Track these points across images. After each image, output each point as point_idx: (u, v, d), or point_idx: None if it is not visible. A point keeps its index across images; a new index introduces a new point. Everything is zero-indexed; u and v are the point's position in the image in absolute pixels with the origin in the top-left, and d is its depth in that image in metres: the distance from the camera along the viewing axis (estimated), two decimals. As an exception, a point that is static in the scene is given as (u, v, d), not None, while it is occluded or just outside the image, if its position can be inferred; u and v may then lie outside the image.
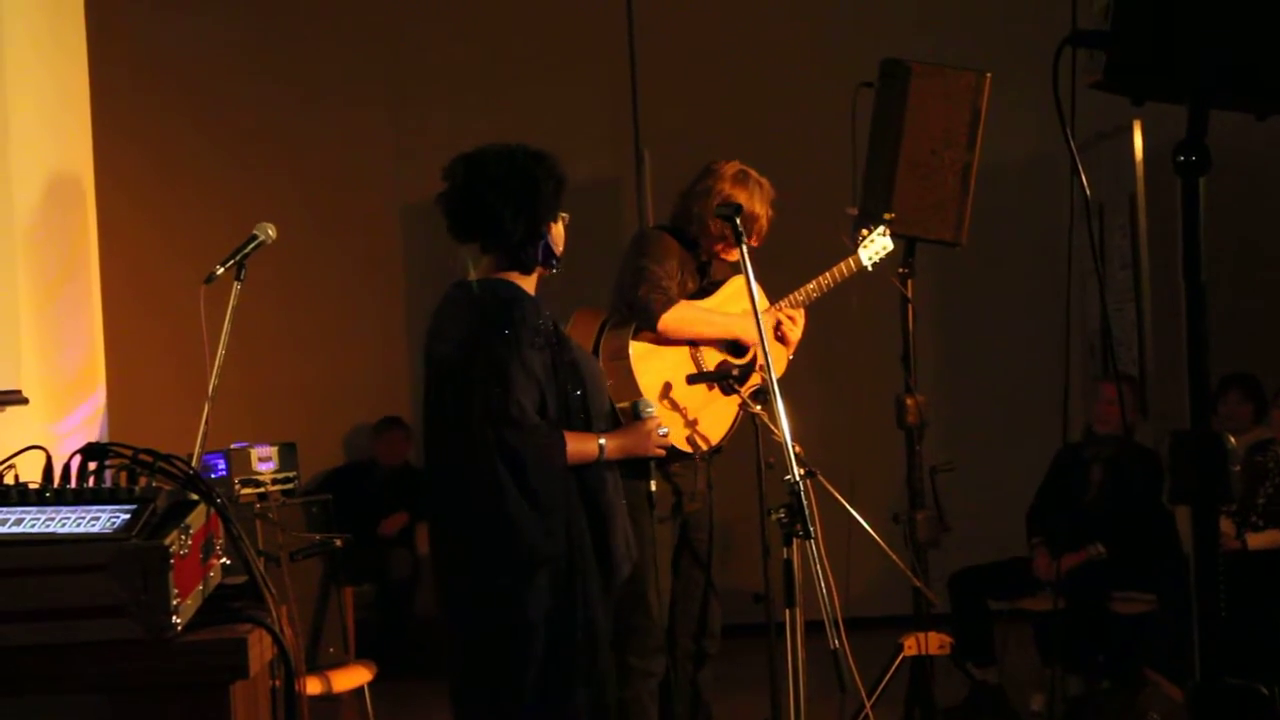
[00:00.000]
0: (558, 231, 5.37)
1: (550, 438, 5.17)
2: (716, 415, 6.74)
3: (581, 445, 5.24)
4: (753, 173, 6.94)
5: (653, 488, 5.84)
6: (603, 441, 5.30)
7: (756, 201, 6.85)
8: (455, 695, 5.38)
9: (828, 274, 7.04)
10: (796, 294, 7.00)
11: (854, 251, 7.14)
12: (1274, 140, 6.78)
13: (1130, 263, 9.94)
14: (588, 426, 5.32)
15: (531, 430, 5.12)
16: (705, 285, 6.97)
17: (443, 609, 5.38)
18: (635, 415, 5.58)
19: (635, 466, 5.80)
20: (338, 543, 7.65)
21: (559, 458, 5.17)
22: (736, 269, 6.57)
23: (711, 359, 6.77)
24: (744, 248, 5.77)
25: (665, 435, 5.64)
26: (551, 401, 5.21)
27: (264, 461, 7.71)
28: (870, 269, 7.18)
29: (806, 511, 5.45)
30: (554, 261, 5.38)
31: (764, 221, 6.89)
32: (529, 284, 5.35)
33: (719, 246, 6.88)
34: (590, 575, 5.23)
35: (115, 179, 9.56)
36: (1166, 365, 9.56)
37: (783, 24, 10.87)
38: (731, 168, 6.93)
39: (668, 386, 6.54)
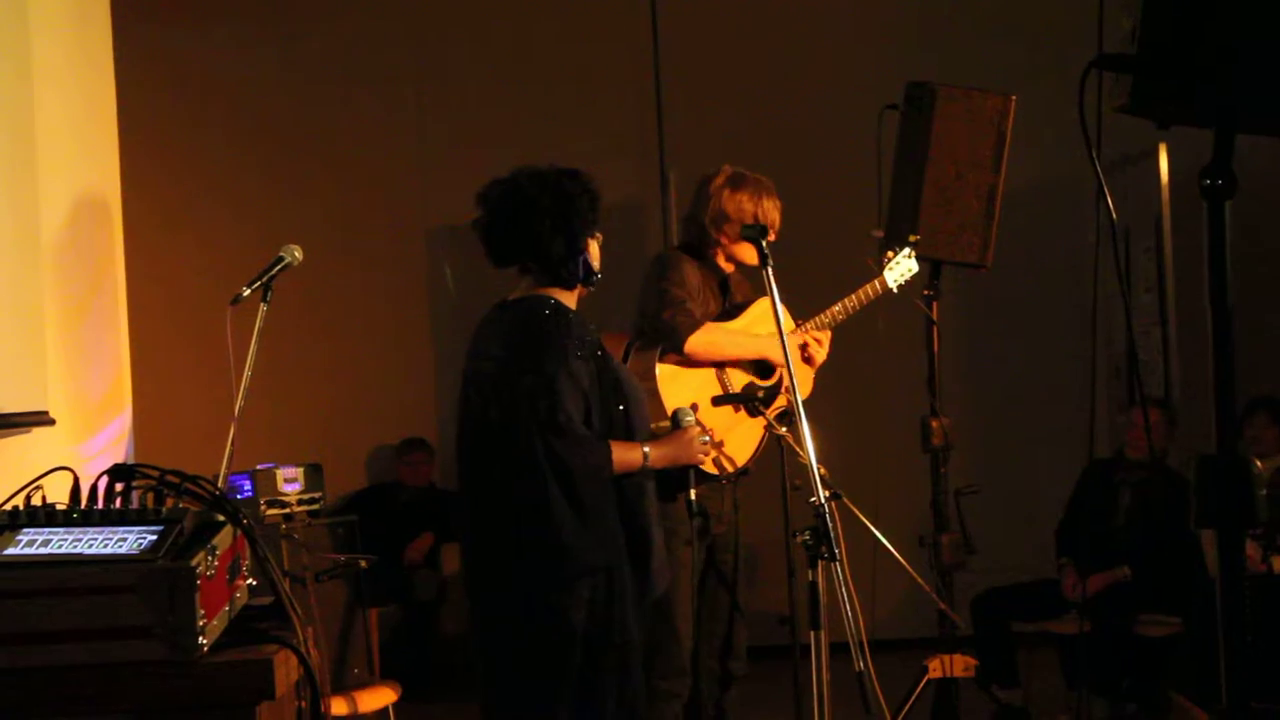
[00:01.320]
0: (594, 249, 5.41)
1: (597, 447, 5.19)
2: (742, 437, 6.75)
3: (627, 454, 5.27)
4: (747, 173, 6.98)
5: (692, 495, 5.89)
6: (647, 450, 5.33)
7: (763, 199, 6.90)
8: (487, 713, 5.39)
9: (853, 296, 7.05)
10: (822, 316, 7.00)
11: (879, 274, 7.15)
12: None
13: (1156, 285, 9.92)
14: (629, 440, 5.34)
15: (579, 440, 5.15)
16: (729, 308, 6.99)
17: (477, 625, 5.38)
18: (675, 424, 5.63)
19: (668, 487, 5.82)
20: (362, 564, 7.66)
21: (606, 467, 5.20)
22: (758, 285, 6.58)
23: (738, 381, 6.79)
24: (769, 270, 5.78)
25: (707, 443, 5.68)
26: (596, 413, 5.24)
27: (290, 482, 7.72)
28: (895, 291, 7.19)
29: (832, 534, 5.45)
30: (593, 278, 5.41)
31: (775, 214, 6.92)
32: (570, 300, 5.40)
33: (734, 247, 6.90)
34: (628, 588, 5.24)
35: (143, 198, 9.57)
36: (1193, 388, 9.53)
37: (808, 46, 10.88)
38: (725, 172, 6.98)
39: (694, 408, 6.54)
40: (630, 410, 5.39)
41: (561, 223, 5.27)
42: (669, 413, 6.08)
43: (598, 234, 5.41)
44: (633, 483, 5.31)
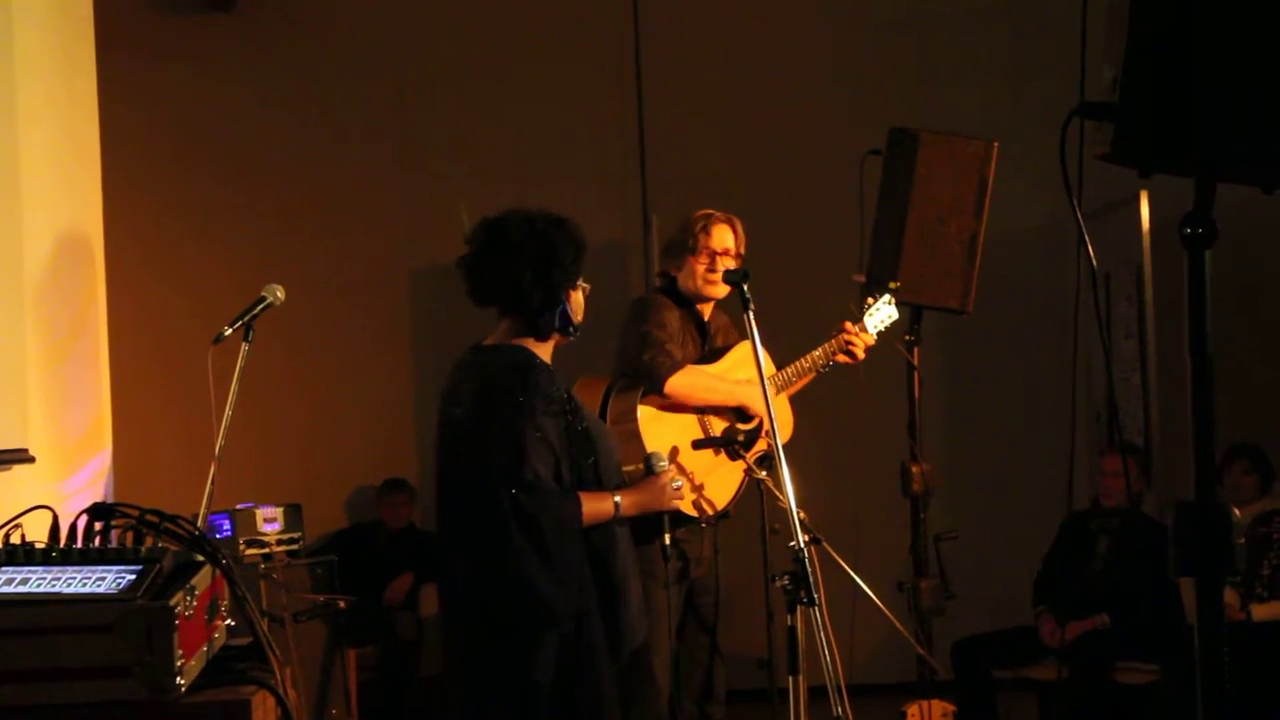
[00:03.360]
0: (577, 299, 5.38)
1: (566, 499, 5.17)
2: (722, 480, 6.76)
3: (597, 505, 5.25)
4: (713, 211, 7.06)
5: (666, 540, 5.89)
6: (618, 499, 5.30)
7: (738, 228, 7.08)
8: None
9: (832, 341, 7.07)
10: (803, 361, 7.03)
11: (860, 319, 7.16)
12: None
13: (1136, 332, 9.94)
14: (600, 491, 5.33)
15: (547, 494, 5.12)
16: (709, 351, 7.01)
17: (451, 671, 5.38)
18: (648, 470, 5.59)
19: (645, 531, 5.81)
20: (341, 604, 7.65)
21: (575, 520, 5.17)
22: (739, 328, 6.60)
23: (719, 424, 6.80)
24: (750, 314, 5.78)
25: (679, 488, 5.65)
26: (565, 468, 5.21)
27: (269, 522, 7.72)
28: (875, 338, 7.20)
29: (811, 578, 5.44)
30: (571, 329, 5.38)
31: (729, 239, 7.05)
32: (545, 350, 5.37)
33: (711, 278, 6.95)
34: (597, 641, 5.21)
35: (125, 237, 9.57)
36: (1172, 435, 9.55)
37: (791, 91, 10.90)
38: (695, 217, 7.08)
39: (674, 451, 6.55)
40: (599, 462, 5.35)
41: (543, 273, 5.25)
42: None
43: (583, 285, 5.40)
44: (602, 534, 5.28)
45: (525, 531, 5.05)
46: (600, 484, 5.32)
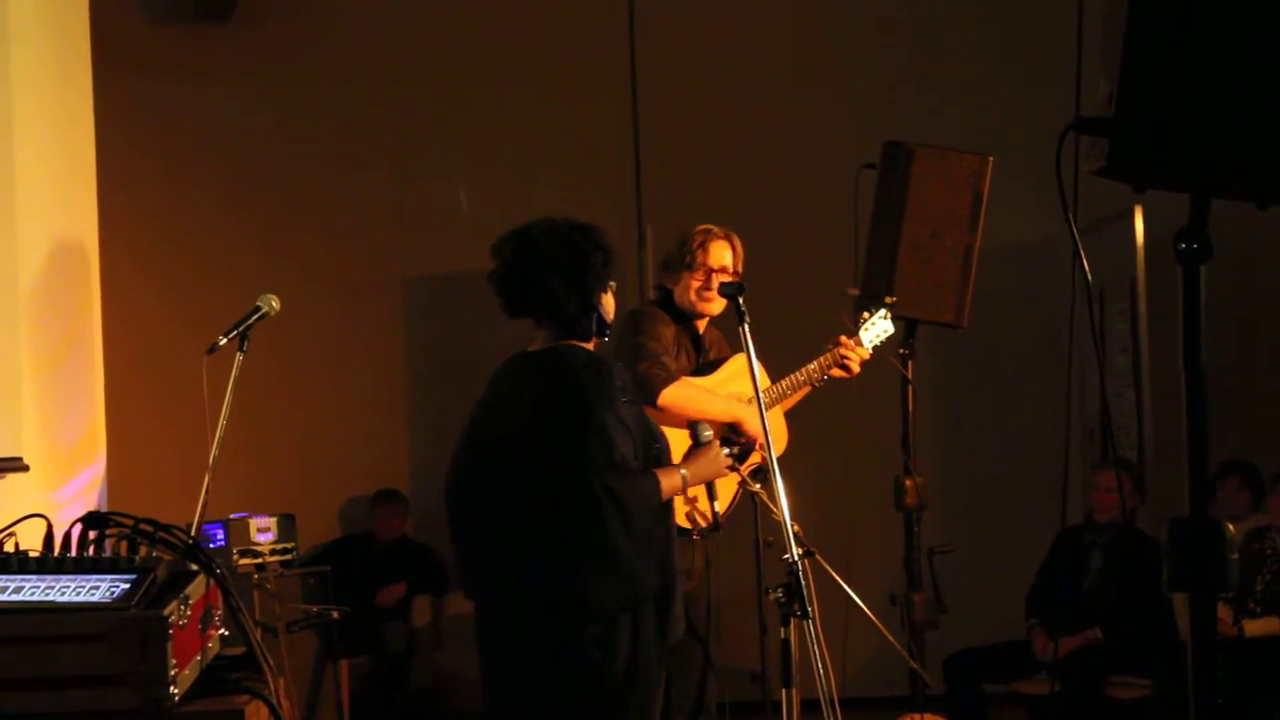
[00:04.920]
0: (608, 301, 5.48)
1: (647, 479, 5.30)
2: (716, 492, 6.75)
3: (670, 480, 5.40)
4: (713, 227, 7.06)
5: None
6: (684, 471, 5.49)
7: (737, 245, 7.07)
8: None
9: (828, 355, 7.07)
10: (798, 374, 7.03)
11: (855, 333, 7.16)
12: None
13: (1130, 347, 9.94)
14: None
15: (634, 475, 5.24)
16: (703, 365, 7.01)
17: (507, 661, 5.37)
18: (696, 439, 5.70)
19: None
20: (334, 614, 7.64)
21: (657, 497, 5.31)
22: (732, 341, 6.60)
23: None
24: (745, 327, 5.78)
25: (729, 454, 5.77)
26: (639, 452, 5.32)
27: (263, 532, 7.72)
28: (870, 352, 7.20)
29: (804, 591, 5.45)
30: (606, 330, 5.50)
31: (726, 256, 7.03)
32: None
33: (707, 295, 6.96)
34: (651, 624, 5.31)
35: (120, 248, 9.57)
36: (1165, 450, 9.55)
37: (786, 105, 10.90)
38: (694, 232, 7.08)
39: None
40: (664, 450, 5.52)
41: (575, 280, 5.34)
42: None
43: (612, 285, 5.49)
44: (664, 524, 5.39)
45: (619, 513, 5.14)
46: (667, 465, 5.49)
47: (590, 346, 5.47)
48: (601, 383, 5.27)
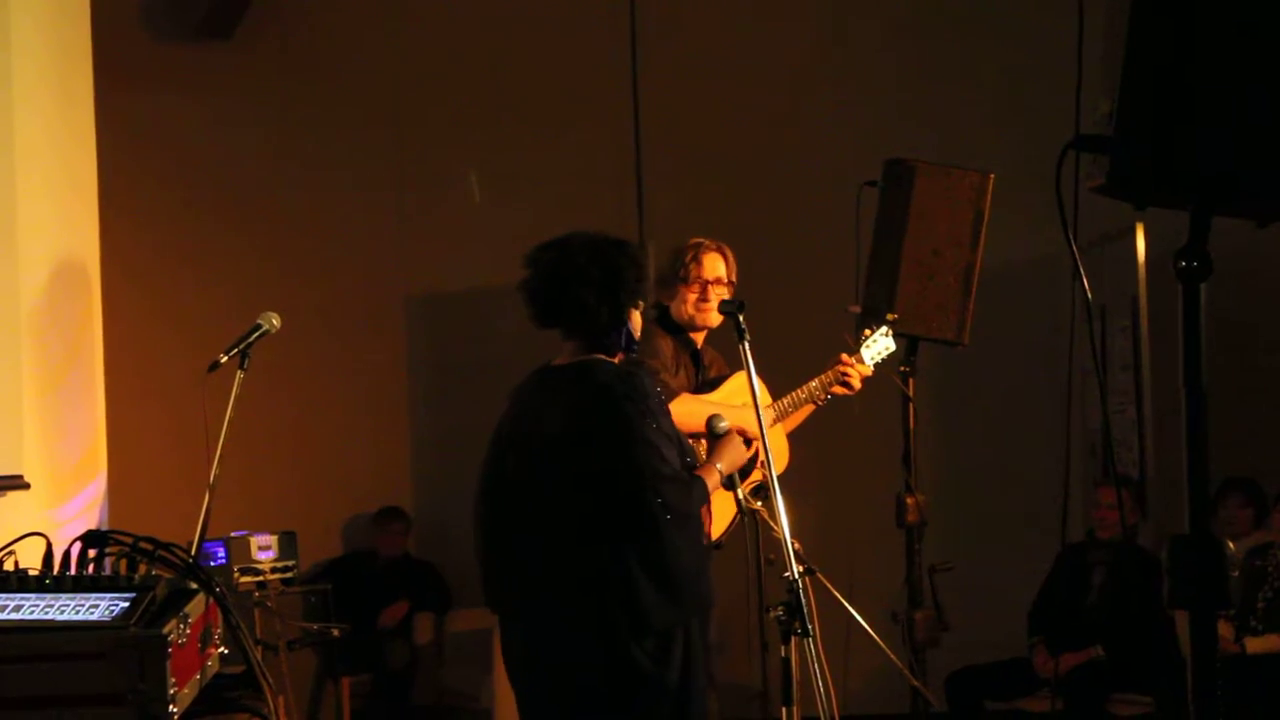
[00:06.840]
0: (636, 318, 5.52)
1: (699, 485, 5.40)
2: (716, 510, 6.72)
3: (709, 478, 5.49)
4: (704, 240, 7.07)
5: None
6: (718, 465, 5.56)
7: (729, 256, 7.10)
8: None
9: (829, 372, 7.07)
10: (799, 392, 7.03)
11: (856, 351, 7.16)
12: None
13: (1131, 364, 9.94)
14: None
15: (684, 481, 5.30)
16: (702, 382, 7.01)
17: (552, 677, 5.37)
18: (713, 432, 5.72)
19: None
20: (335, 632, 7.64)
21: (702, 498, 5.40)
22: (731, 360, 6.59)
23: (713, 454, 6.79)
24: (745, 344, 5.78)
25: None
26: (679, 460, 5.36)
27: (263, 550, 7.72)
28: (871, 370, 7.20)
29: (805, 609, 5.44)
30: (634, 346, 5.54)
31: (721, 268, 7.05)
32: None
33: (704, 307, 6.97)
34: (698, 631, 5.39)
35: (121, 266, 9.56)
36: (1167, 468, 9.54)
37: (788, 121, 10.90)
38: (685, 246, 7.09)
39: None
40: (695, 459, 5.61)
41: (608, 294, 5.37)
42: None
43: (640, 302, 5.52)
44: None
45: (674, 520, 5.20)
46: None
47: (616, 361, 5.49)
48: (637, 396, 5.28)
